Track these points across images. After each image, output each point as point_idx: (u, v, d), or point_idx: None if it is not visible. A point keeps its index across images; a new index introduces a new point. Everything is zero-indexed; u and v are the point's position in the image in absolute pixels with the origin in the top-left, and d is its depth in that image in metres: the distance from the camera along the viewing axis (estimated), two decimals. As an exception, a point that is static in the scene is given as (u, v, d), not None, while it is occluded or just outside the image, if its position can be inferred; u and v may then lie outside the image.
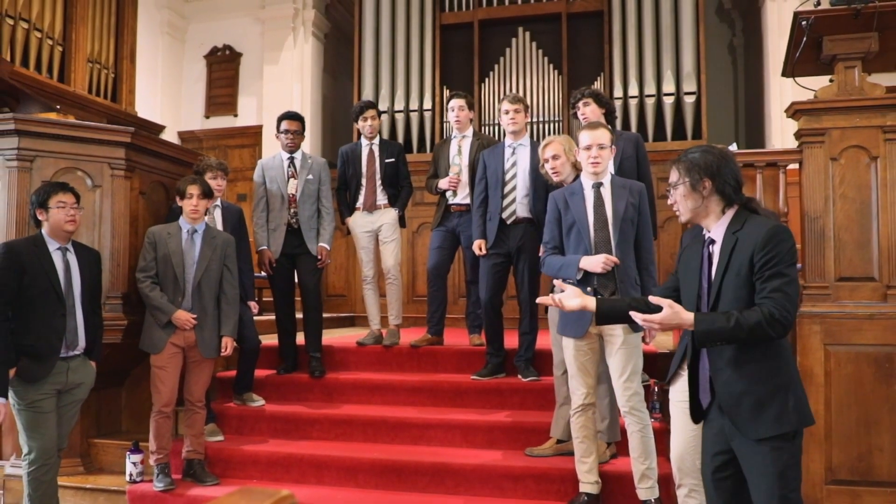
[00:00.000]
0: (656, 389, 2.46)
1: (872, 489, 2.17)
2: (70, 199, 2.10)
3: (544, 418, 2.46)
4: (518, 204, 2.72)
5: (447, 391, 2.77)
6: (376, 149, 3.14)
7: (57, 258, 2.10)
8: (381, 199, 3.10)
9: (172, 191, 2.55)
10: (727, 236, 1.39)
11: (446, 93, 4.86)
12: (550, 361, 2.58)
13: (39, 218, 2.10)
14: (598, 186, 2.10)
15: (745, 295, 1.35)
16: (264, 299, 3.85)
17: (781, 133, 4.49)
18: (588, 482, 2.11)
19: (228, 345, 2.47)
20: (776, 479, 1.32)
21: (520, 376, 2.75)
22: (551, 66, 5.09)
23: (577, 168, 2.24)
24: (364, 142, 3.16)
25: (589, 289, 1.98)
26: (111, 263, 2.51)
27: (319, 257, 2.97)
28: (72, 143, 2.50)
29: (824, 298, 2.25)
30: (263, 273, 3.03)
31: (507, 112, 2.75)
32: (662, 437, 2.19)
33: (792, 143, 2.53)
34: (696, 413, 1.47)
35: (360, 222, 3.12)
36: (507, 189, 2.73)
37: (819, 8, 2.28)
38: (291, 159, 3.01)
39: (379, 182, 3.10)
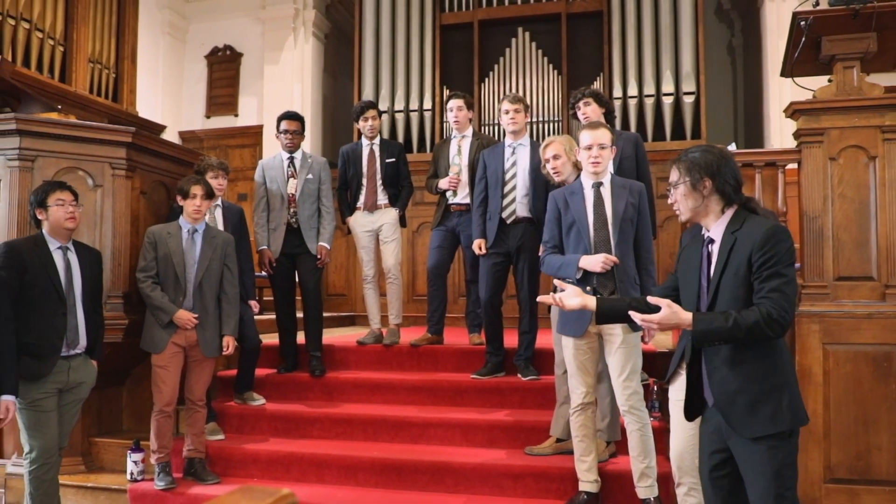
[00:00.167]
0: (655, 388, 2.47)
1: (871, 488, 2.17)
2: (68, 197, 2.11)
3: (544, 417, 2.47)
4: (518, 203, 2.72)
5: (447, 390, 2.78)
6: (377, 149, 3.14)
7: (58, 257, 2.11)
8: (382, 198, 3.11)
9: (173, 190, 2.55)
10: (726, 236, 1.40)
11: (446, 93, 4.86)
12: (550, 360, 2.59)
13: (39, 217, 2.11)
14: (597, 186, 2.11)
15: (743, 294, 1.36)
16: (265, 298, 3.86)
17: (780, 133, 4.49)
18: (587, 481, 2.12)
19: (230, 344, 2.47)
20: (772, 477, 1.32)
21: (519, 375, 2.75)
22: (551, 66, 5.09)
23: (578, 168, 2.25)
24: (365, 142, 3.17)
25: (588, 288, 1.98)
26: (112, 263, 2.52)
27: (319, 256, 2.98)
28: (73, 142, 2.50)
29: (823, 298, 2.26)
30: (264, 273, 3.04)
31: (507, 112, 2.76)
32: (662, 435, 2.20)
33: (791, 143, 2.54)
34: (690, 411, 1.47)
35: (360, 222, 3.13)
36: (506, 189, 2.74)
37: (818, 8, 2.29)
38: (291, 159, 3.02)
39: (379, 182, 3.11)
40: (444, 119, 5.04)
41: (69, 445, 2.43)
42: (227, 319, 2.46)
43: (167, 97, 5.54)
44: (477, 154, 2.95)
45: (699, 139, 4.67)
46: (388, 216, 3.10)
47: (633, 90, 4.86)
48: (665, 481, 2.05)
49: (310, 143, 5.24)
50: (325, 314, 3.14)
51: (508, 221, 2.73)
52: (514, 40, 5.17)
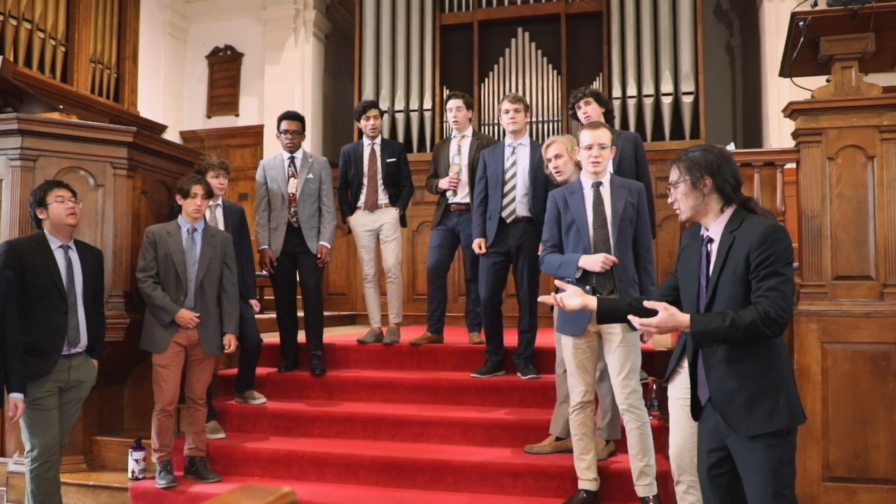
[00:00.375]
0: (654, 387, 2.48)
1: (869, 486, 2.18)
2: (67, 194, 2.12)
3: (543, 416, 2.47)
4: (518, 203, 2.73)
5: (447, 389, 2.79)
6: (378, 148, 3.15)
7: (59, 256, 2.11)
8: (383, 198, 3.12)
9: (174, 190, 2.56)
10: (725, 235, 1.41)
11: (446, 93, 4.87)
12: (550, 359, 2.60)
13: (40, 217, 2.12)
14: (597, 186, 2.12)
15: (741, 294, 1.36)
16: (265, 298, 3.87)
17: (779, 133, 4.50)
18: (587, 479, 2.12)
19: (232, 342, 2.48)
20: (769, 476, 1.33)
21: (519, 374, 2.76)
22: (550, 66, 5.11)
23: (579, 167, 2.26)
24: (366, 141, 3.18)
25: (588, 287, 1.99)
26: (114, 262, 2.53)
27: (320, 256, 2.98)
28: (74, 142, 2.51)
29: (821, 297, 2.26)
30: (265, 272, 3.05)
31: (507, 112, 2.76)
32: (661, 434, 2.21)
33: (789, 143, 2.55)
34: (697, 410, 1.48)
35: (361, 221, 3.14)
36: (506, 188, 2.74)
37: (816, 9, 2.29)
38: (292, 159, 3.03)
39: (380, 181, 3.11)
40: (444, 119, 5.06)
41: (71, 444, 2.45)
42: (228, 318, 2.47)
43: (168, 97, 5.55)
44: (477, 154, 2.96)
45: (698, 139, 4.68)
46: (388, 216, 3.11)
47: (632, 90, 4.87)
48: (664, 480, 2.06)
49: (310, 143, 5.25)
50: (325, 313, 3.15)
51: (508, 221, 2.74)
52: (513, 40, 5.18)
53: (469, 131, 3.12)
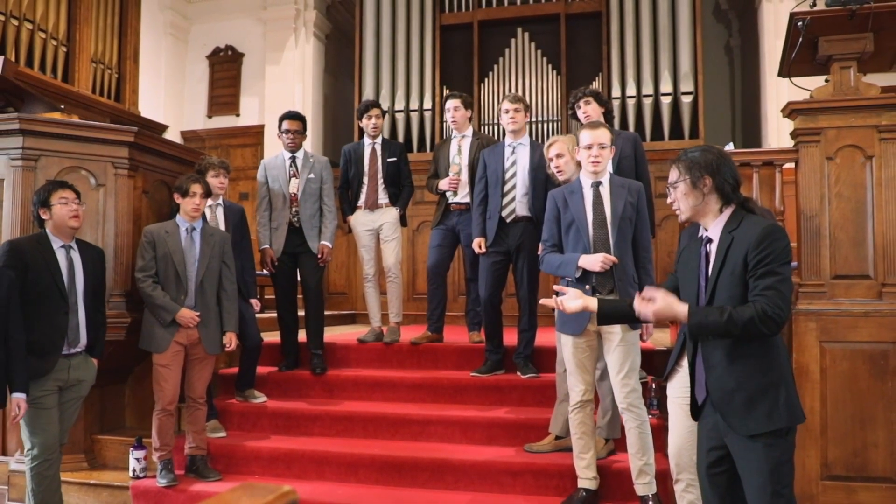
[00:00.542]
0: (654, 386, 2.48)
1: (868, 485, 2.18)
2: (71, 195, 2.12)
3: (543, 415, 2.48)
4: (517, 202, 2.74)
5: (447, 388, 2.79)
6: (378, 148, 3.16)
7: (61, 256, 2.12)
8: (383, 197, 3.13)
9: (172, 189, 2.55)
10: (724, 235, 1.41)
11: (446, 92, 4.88)
12: (549, 358, 2.61)
13: (43, 217, 2.12)
14: (597, 185, 2.12)
15: (739, 294, 1.37)
16: (266, 297, 3.87)
17: (777, 133, 4.51)
18: (586, 478, 2.13)
19: (232, 340, 2.49)
20: (768, 475, 1.33)
21: (519, 373, 2.77)
22: (550, 66, 5.12)
23: (581, 167, 2.26)
24: (367, 140, 3.19)
25: (587, 287, 2.00)
26: (115, 262, 2.53)
27: (321, 255, 2.99)
28: (76, 142, 2.51)
29: (820, 296, 2.27)
30: (265, 271, 3.06)
31: (507, 111, 2.77)
32: (660, 433, 2.21)
33: (788, 143, 2.55)
34: (696, 410, 1.49)
35: (361, 221, 3.15)
36: (506, 188, 2.75)
37: (815, 9, 2.30)
38: (293, 158, 3.04)
39: (381, 181, 3.12)
40: (444, 119, 5.05)
41: (72, 443, 2.45)
42: (228, 316, 2.48)
43: (169, 97, 5.57)
44: (477, 154, 2.97)
45: (697, 139, 4.69)
46: (388, 215, 3.12)
47: (631, 90, 4.88)
48: (663, 478, 2.07)
49: (311, 143, 5.27)
50: (325, 312, 3.15)
51: (508, 220, 2.75)
52: (513, 41, 5.19)
53: (469, 131, 3.13)
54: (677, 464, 1.78)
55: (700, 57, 4.80)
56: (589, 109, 2.55)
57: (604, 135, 2.10)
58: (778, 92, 4.50)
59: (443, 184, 3.05)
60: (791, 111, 2.35)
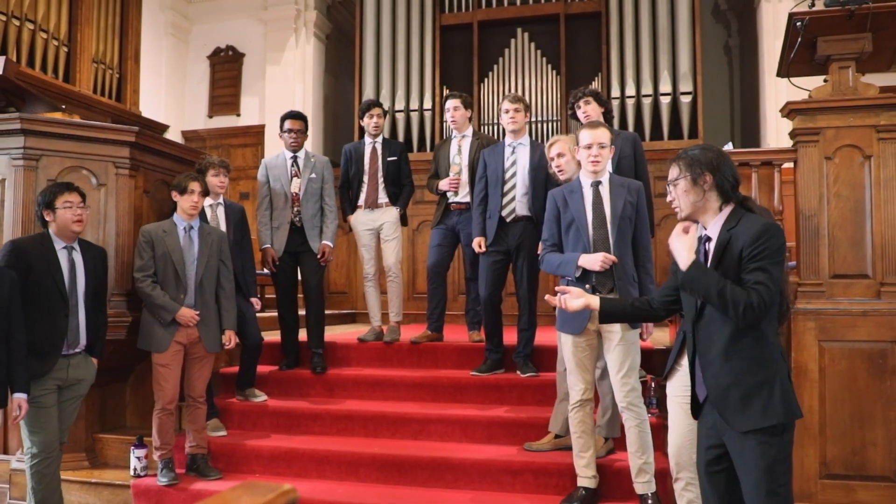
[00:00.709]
0: (653, 385, 2.49)
1: (866, 483, 2.19)
2: (76, 199, 2.12)
3: (543, 413, 2.49)
4: (517, 202, 2.75)
5: (447, 387, 2.80)
6: (379, 147, 3.17)
7: (63, 257, 2.12)
8: (383, 197, 3.13)
9: (170, 187, 2.53)
10: (722, 233, 1.42)
11: (446, 92, 4.89)
12: (549, 357, 2.62)
13: (46, 219, 2.12)
14: (596, 185, 2.13)
15: None
16: (266, 296, 3.88)
17: (776, 132, 4.52)
18: (586, 476, 2.14)
19: (231, 338, 2.50)
20: (763, 473, 1.33)
21: (518, 372, 2.77)
22: (549, 66, 5.13)
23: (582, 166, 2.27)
24: (367, 139, 3.20)
25: (587, 286, 2.01)
26: (116, 261, 2.53)
27: (322, 255, 2.99)
28: (77, 142, 2.52)
29: (819, 295, 2.28)
30: (266, 270, 3.06)
31: (507, 111, 2.78)
32: (659, 431, 2.22)
33: (787, 143, 2.56)
34: (697, 408, 1.49)
35: (361, 220, 3.16)
36: (506, 187, 2.76)
37: (813, 9, 2.31)
38: (295, 158, 3.05)
39: (381, 180, 3.13)
40: (444, 119, 5.06)
41: (73, 441, 2.46)
42: (227, 314, 2.48)
43: (170, 97, 5.58)
44: (477, 153, 2.98)
45: (696, 139, 4.70)
46: (389, 215, 3.13)
47: (630, 90, 4.89)
48: (663, 477, 2.07)
49: (311, 143, 5.27)
50: (326, 312, 3.15)
51: (508, 220, 2.76)
52: (513, 41, 5.20)
53: (469, 131, 3.14)
54: (677, 462, 1.79)
55: (699, 57, 4.81)
56: (588, 109, 2.56)
57: (603, 134, 2.11)
58: (777, 92, 4.51)
59: (443, 184, 3.06)
60: (790, 111, 2.36)
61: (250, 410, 2.79)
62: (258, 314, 2.86)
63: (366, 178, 3.14)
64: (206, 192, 2.47)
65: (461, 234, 3.05)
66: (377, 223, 3.14)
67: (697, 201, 1.45)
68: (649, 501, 2.05)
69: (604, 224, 2.09)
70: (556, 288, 1.69)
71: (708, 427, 1.46)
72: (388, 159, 3.14)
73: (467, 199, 3.01)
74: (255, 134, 5.64)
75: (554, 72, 5.10)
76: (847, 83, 2.32)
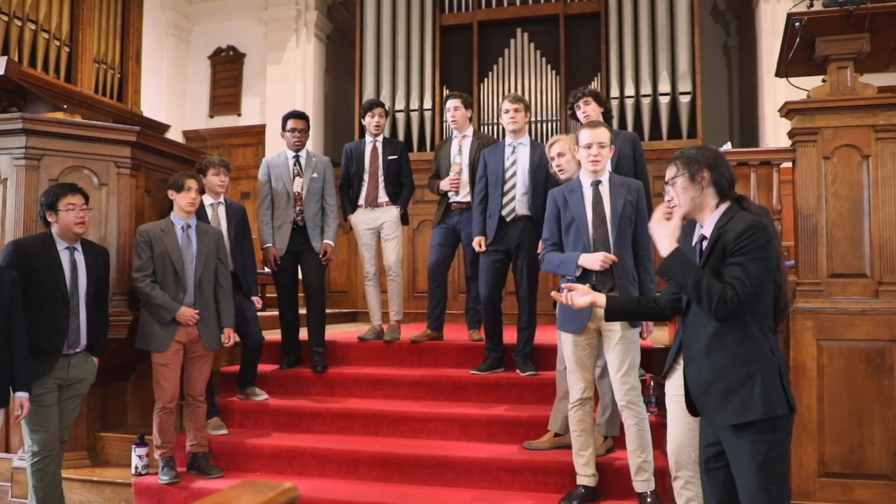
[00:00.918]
0: (652, 384, 2.50)
1: (864, 482, 2.19)
2: (79, 201, 2.12)
3: (542, 412, 2.49)
4: (517, 201, 2.76)
5: (447, 385, 2.81)
6: (380, 146, 3.18)
7: (64, 257, 2.13)
8: (383, 195, 3.14)
9: (166, 186, 2.51)
10: (714, 232, 1.44)
11: (446, 92, 4.91)
12: (548, 356, 2.63)
13: (49, 219, 2.13)
14: (596, 184, 2.14)
15: None
16: (267, 295, 3.89)
17: (775, 132, 4.53)
18: (585, 475, 2.14)
19: (231, 335, 2.50)
20: (755, 471, 1.33)
21: (518, 371, 2.78)
22: (549, 66, 5.14)
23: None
24: (368, 138, 3.21)
25: (587, 285, 2.02)
26: (117, 260, 2.54)
27: (324, 254, 3.00)
28: (78, 141, 2.52)
29: (817, 294, 2.28)
30: (267, 269, 3.07)
31: (507, 111, 2.79)
32: (658, 430, 2.22)
33: (785, 142, 2.57)
34: (691, 406, 1.50)
35: (362, 219, 3.16)
36: (506, 187, 2.77)
37: (812, 9, 2.31)
38: (297, 157, 3.05)
39: (381, 178, 3.14)
40: (444, 119, 5.08)
41: (75, 440, 2.47)
42: (225, 312, 2.49)
43: (171, 97, 5.59)
44: (477, 153, 2.99)
45: (695, 138, 4.71)
46: (389, 214, 3.14)
47: (630, 90, 4.90)
48: (662, 475, 2.08)
49: (311, 143, 5.26)
50: (326, 311, 3.16)
51: (508, 219, 2.77)
52: (512, 41, 5.21)
53: (469, 131, 3.15)
54: (676, 461, 1.80)
55: (698, 57, 4.82)
56: (588, 109, 2.57)
57: (603, 134, 2.12)
58: (775, 92, 4.52)
59: (444, 184, 3.07)
60: (788, 111, 2.37)
61: (251, 409, 2.80)
62: (259, 313, 2.87)
63: (366, 177, 3.15)
64: (202, 190, 2.47)
65: (462, 234, 3.06)
66: (377, 222, 3.15)
67: (696, 197, 1.46)
68: (648, 500, 2.06)
69: (604, 223, 2.10)
70: (563, 285, 1.70)
71: (707, 424, 1.47)
72: (389, 158, 3.15)
73: (468, 198, 3.02)
74: (255, 134, 5.65)
75: (553, 72, 5.11)
76: (845, 83, 2.33)
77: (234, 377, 2.90)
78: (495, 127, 5.07)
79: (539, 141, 4.15)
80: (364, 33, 5.38)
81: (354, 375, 2.94)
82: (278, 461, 2.51)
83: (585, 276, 2.07)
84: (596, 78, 5.06)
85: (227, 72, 5.74)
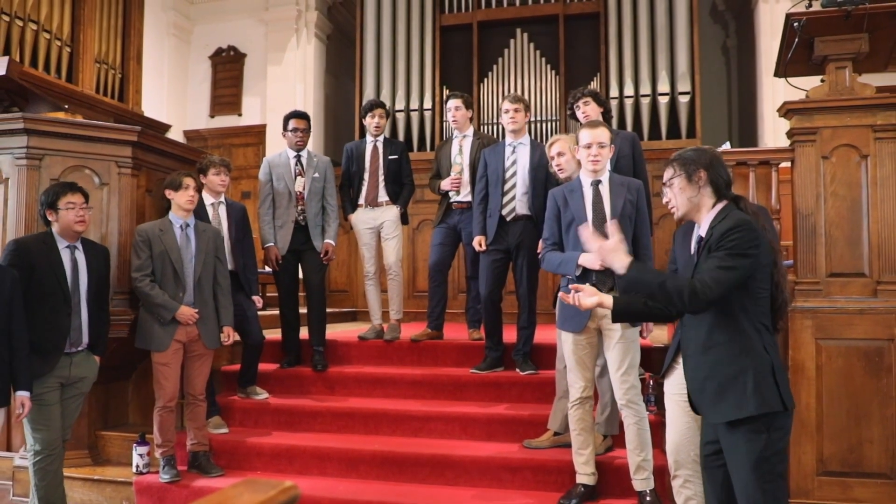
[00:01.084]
0: (651, 383, 2.50)
1: (863, 480, 2.20)
2: (79, 200, 2.13)
3: (542, 411, 2.50)
4: (517, 201, 2.77)
5: (447, 384, 2.81)
6: (380, 146, 3.19)
7: (65, 256, 2.13)
8: (383, 195, 3.15)
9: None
10: (708, 231, 1.45)
11: (446, 92, 4.91)
12: (548, 355, 2.64)
13: (49, 218, 2.13)
14: (596, 184, 2.14)
15: None
16: (267, 294, 3.90)
17: (774, 132, 4.54)
18: (585, 473, 2.15)
19: (230, 334, 2.51)
20: (751, 470, 1.34)
21: (518, 370, 2.79)
22: (548, 66, 5.14)
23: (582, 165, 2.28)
24: (369, 138, 3.22)
25: (588, 284, 2.02)
26: (118, 260, 2.54)
27: (325, 253, 3.01)
28: (80, 141, 2.53)
29: (816, 294, 2.29)
30: (268, 269, 3.08)
31: (507, 111, 2.80)
32: (658, 429, 2.23)
33: (784, 142, 2.57)
34: (693, 403, 1.51)
35: (362, 219, 3.17)
36: (507, 187, 2.78)
37: (811, 10, 2.32)
38: (298, 157, 3.06)
39: (382, 178, 3.15)
40: (444, 119, 5.10)
41: (76, 439, 2.47)
42: (224, 311, 2.49)
43: (172, 97, 5.59)
44: (478, 153, 3.00)
45: (694, 138, 4.72)
46: (389, 213, 3.15)
47: (629, 90, 4.91)
48: (661, 474, 2.09)
49: (312, 143, 5.24)
50: (327, 310, 3.16)
51: (508, 219, 2.77)
52: (512, 41, 5.22)
53: (470, 131, 3.16)
54: (675, 460, 1.80)
55: (697, 57, 4.83)
56: (588, 109, 2.57)
57: (603, 134, 2.13)
58: (774, 92, 4.52)
59: (445, 184, 3.08)
60: (787, 111, 2.37)
61: (252, 408, 2.80)
62: (259, 312, 2.88)
63: (366, 176, 3.16)
64: (200, 188, 2.48)
65: (463, 233, 3.07)
66: (378, 221, 3.15)
67: (693, 197, 1.48)
68: (648, 498, 2.07)
69: (604, 223, 2.09)
70: (571, 286, 1.68)
71: (707, 423, 1.48)
72: (390, 158, 3.16)
73: (469, 198, 3.03)
74: (256, 133, 5.65)
75: (553, 72, 5.12)
76: (844, 83, 2.33)
77: (235, 376, 2.91)
78: (495, 127, 5.07)
79: (539, 141, 4.16)
80: (364, 33, 5.39)
81: (355, 374, 2.95)
82: (279, 460, 2.52)
83: (585, 275, 2.07)
84: (595, 78, 5.06)
85: (227, 72, 5.75)
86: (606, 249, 1.44)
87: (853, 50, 2.32)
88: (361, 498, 2.24)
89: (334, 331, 3.59)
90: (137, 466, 2.48)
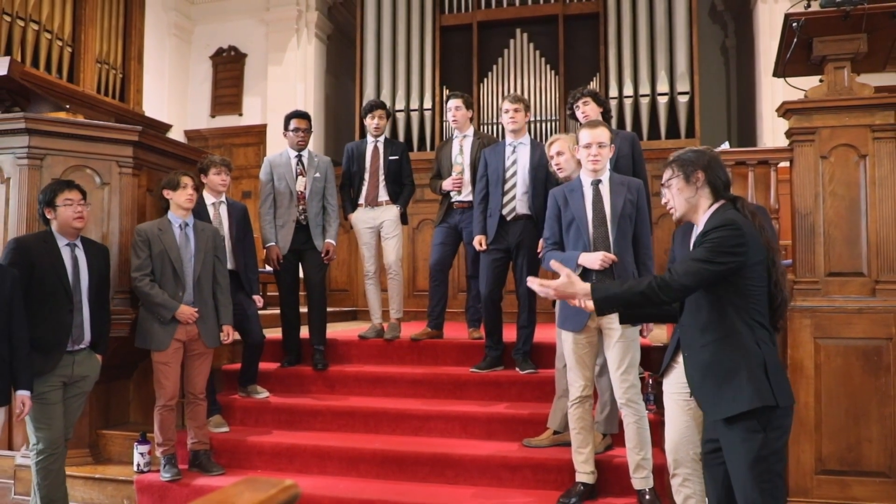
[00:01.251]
0: (651, 382, 2.51)
1: (861, 479, 2.20)
2: (76, 196, 2.13)
3: (542, 410, 2.51)
4: (518, 201, 2.77)
5: (447, 383, 2.82)
6: (381, 146, 3.20)
7: (66, 254, 2.14)
8: (383, 194, 3.16)
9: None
10: (703, 231, 1.46)
11: (446, 92, 4.93)
12: (548, 354, 2.65)
13: (48, 216, 2.14)
14: (596, 184, 2.15)
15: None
16: (268, 294, 3.91)
17: (773, 132, 4.54)
18: (584, 472, 2.16)
19: (230, 332, 2.51)
20: (747, 469, 1.34)
21: (518, 369, 2.80)
22: (548, 66, 5.15)
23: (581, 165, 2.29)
24: (370, 138, 3.23)
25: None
26: (119, 259, 2.55)
27: (326, 253, 3.01)
28: (81, 141, 2.54)
29: (814, 293, 2.29)
30: (268, 268, 3.09)
31: (507, 111, 2.81)
32: (657, 428, 2.23)
33: (783, 142, 2.58)
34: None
35: (362, 218, 3.18)
36: (507, 186, 2.79)
37: (809, 10, 2.32)
38: (299, 157, 3.07)
39: (382, 178, 3.15)
40: (444, 119, 5.10)
41: (77, 437, 2.47)
42: (224, 310, 2.50)
43: (173, 97, 5.60)
44: (478, 153, 3.00)
45: (693, 138, 4.72)
46: (389, 213, 3.16)
47: (628, 90, 4.91)
48: (660, 472, 2.10)
49: (312, 143, 5.25)
50: (327, 309, 3.17)
51: (508, 218, 2.78)
52: (512, 41, 5.23)
53: (470, 131, 3.17)
54: (674, 458, 1.81)
55: (696, 57, 4.83)
56: (587, 109, 2.58)
57: (603, 134, 2.13)
58: (773, 92, 4.53)
59: (446, 184, 3.09)
60: (786, 111, 2.38)
61: (252, 407, 2.81)
62: (260, 311, 2.88)
63: (367, 176, 3.17)
64: (198, 187, 2.48)
65: (463, 233, 3.07)
66: (378, 221, 3.16)
67: (691, 198, 1.48)
68: (647, 497, 2.07)
69: (604, 222, 2.11)
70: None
71: (708, 420, 1.49)
72: (390, 158, 3.17)
73: (470, 197, 3.04)
74: (256, 133, 5.66)
75: (552, 72, 5.13)
76: (842, 83, 2.34)
77: (236, 375, 2.92)
78: (495, 127, 5.08)
79: (539, 140, 4.17)
80: (364, 34, 5.40)
81: (355, 373, 2.96)
82: (279, 458, 2.53)
83: (586, 275, 2.08)
84: (595, 78, 5.07)
85: (228, 72, 5.76)
86: (561, 290, 1.42)
87: (852, 50, 2.32)
88: (362, 496, 2.25)
89: (335, 330, 3.59)
90: (138, 465, 2.48)
